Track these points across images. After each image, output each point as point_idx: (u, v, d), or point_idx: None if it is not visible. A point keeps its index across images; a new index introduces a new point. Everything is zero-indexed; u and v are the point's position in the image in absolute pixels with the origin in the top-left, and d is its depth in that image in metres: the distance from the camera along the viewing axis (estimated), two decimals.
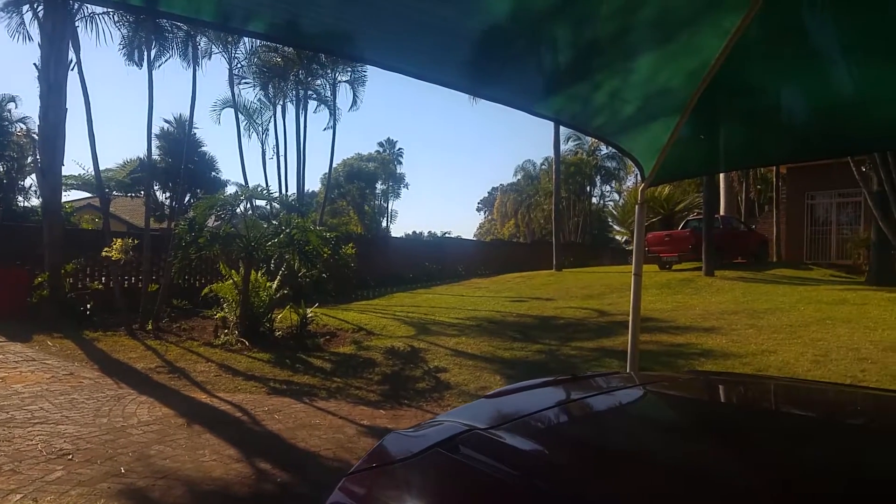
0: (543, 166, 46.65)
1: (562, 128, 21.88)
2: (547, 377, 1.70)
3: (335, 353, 9.08)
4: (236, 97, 22.65)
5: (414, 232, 59.09)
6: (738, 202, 26.54)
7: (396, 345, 9.33)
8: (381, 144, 60.78)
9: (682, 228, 19.30)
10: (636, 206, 4.03)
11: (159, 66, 16.01)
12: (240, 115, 23.21)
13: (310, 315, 10.20)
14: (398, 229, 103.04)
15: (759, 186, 29.44)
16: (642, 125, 3.59)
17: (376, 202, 58.76)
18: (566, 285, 16.42)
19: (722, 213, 21.55)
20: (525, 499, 0.92)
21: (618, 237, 37.41)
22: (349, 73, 23.30)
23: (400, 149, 61.23)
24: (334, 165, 50.91)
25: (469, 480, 1.02)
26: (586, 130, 4.07)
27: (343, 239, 11.61)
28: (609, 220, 38.14)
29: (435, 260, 23.42)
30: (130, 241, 11.57)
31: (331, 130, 25.00)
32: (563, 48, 2.86)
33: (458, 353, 8.64)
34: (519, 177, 52.93)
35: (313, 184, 62.41)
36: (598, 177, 44.63)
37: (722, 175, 22.18)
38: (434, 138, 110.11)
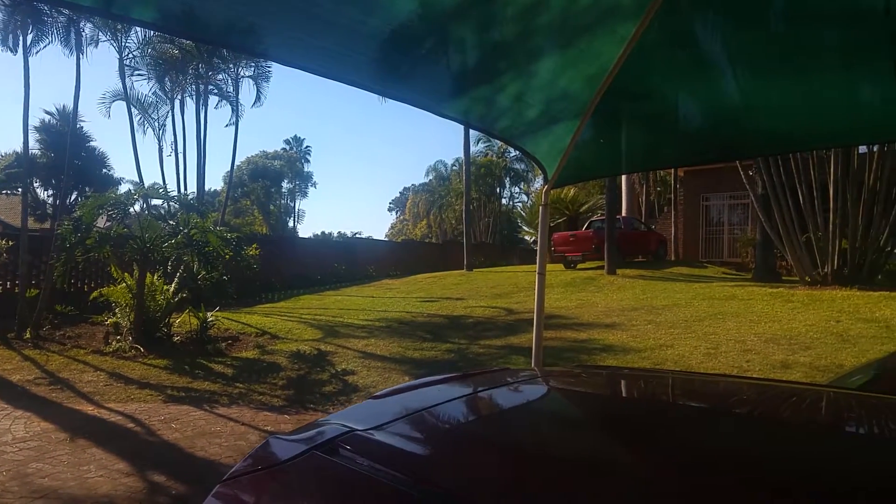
0: (454, 167, 47.21)
1: (472, 129, 22.16)
2: (439, 375, 1.69)
3: (238, 358, 8.72)
4: (128, 89, 21.36)
5: (323, 232, 58.23)
6: (638, 204, 27.85)
7: (302, 348, 9.08)
8: (287, 142, 59.25)
9: (585, 229, 20.00)
10: (540, 207, 4.11)
11: (37, 52, 14.79)
12: (133, 109, 21.87)
13: (210, 319, 9.75)
14: (306, 229, 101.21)
15: (658, 189, 31.08)
16: (545, 128, 3.65)
17: (283, 201, 57.12)
18: (476, 285, 16.61)
19: (624, 213, 22.53)
20: (400, 499, 0.89)
21: (527, 237, 38.38)
22: (253, 69, 22.54)
23: (307, 147, 59.92)
24: (238, 163, 49.30)
25: (345, 482, 0.98)
26: (492, 132, 4.10)
27: (246, 239, 11.17)
28: (518, 220, 39.06)
29: (345, 261, 22.96)
30: (4, 242, 10.62)
31: (233, 127, 24.20)
32: (467, 50, 2.85)
33: (367, 355, 8.53)
34: (431, 177, 53.29)
35: (215, 182, 60.04)
36: (508, 178, 45.60)
37: (623, 178, 23.22)
38: (344, 137, 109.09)
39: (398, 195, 70.69)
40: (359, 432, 1.14)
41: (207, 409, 6.40)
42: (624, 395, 1.71)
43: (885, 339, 7.67)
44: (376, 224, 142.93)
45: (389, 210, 73.75)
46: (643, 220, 24.55)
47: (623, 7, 2.68)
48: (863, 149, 12.93)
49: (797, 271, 13.70)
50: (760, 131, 3.46)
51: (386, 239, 51.96)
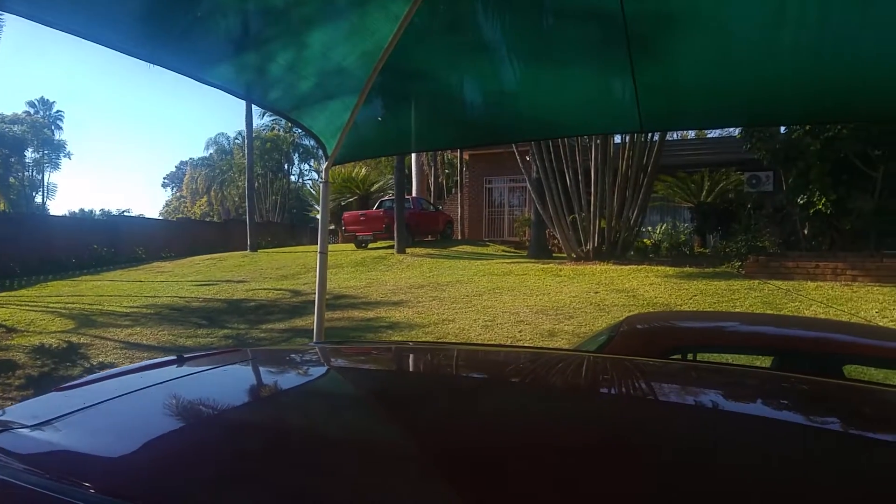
0: (237, 140, 44.24)
1: (240, 99, 20.96)
2: (153, 360, 1.46)
3: None
4: None
5: (82, 210, 51.01)
6: (428, 184, 28.76)
7: (48, 342, 7.85)
8: (31, 104, 50.33)
9: (376, 208, 20.16)
10: (321, 185, 4.01)
11: None
12: None
13: None
14: (60, 207, 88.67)
15: (447, 171, 32.43)
16: (321, 103, 3.58)
17: (27, 174, 48.86)
18: (260, 266, 15.87)
19: (413, 194, 23.11)
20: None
21: (317, 216, 37.56)
22: None
23: (59, 111, 51.36)
24: None
25: None
26: (264, 104, 3.90)
27: None
28: (309, 198, 38.17)
29: (108, 242, 20.54)
30: None
31: None
32: (232, 13, 2.65)
33: (131, 346, 7.66)
34: (211, 151, 49.32)
35: None
36: (297, 155, 44.19)
37: (413, 159, 23.83)
38: (108, 103, 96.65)
39: (174, 170, 64.31)
40: (14, 430, 0.93)
41: None
42: (372, 368, 1.64)
43: (631, 306, 8.77)
44: (148, 201, 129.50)
45: (164, 186, 66.90)
46: (432, 201, 25.42)
47: None
48: (617, 139, 14.68)
49: (565, 248, 15.13)
50: (526, 117, 3.66)
51: (160, 218, 47.16)
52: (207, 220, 42.79)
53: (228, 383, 1.33)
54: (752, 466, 0.81)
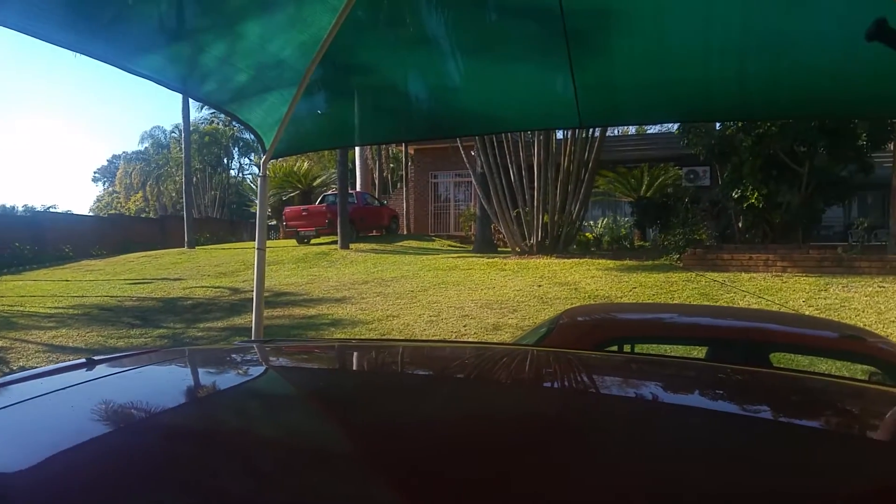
0: (174, 134, 42.80)
1: (172, 90, 20.29)
2: (58, 364, 1.33)
3: None
4: None
5: (3, 206, 48.11)
6: (372, 179, 28.49)
7: None
8: None
9: (319, 203, 19.83)
10: (259, 179, 3.91)
11: None
12: None
13: None
14: None
15: (392, 165, 32.21)
16: (259, 95, 3.49)
17: None
18: (198, 263, 15.39)
19: (358, 188, 22.88)
20: None
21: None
22: None
23: None
24: None
25: None
26: (198, 96, 3.77)
27: None
28: (249, 193, 37.28)
29: (31, 240, 19.55)
30: None
31: None
32: (162, 0, 2.57)
33: (56, 348, 7.27)
34: (147, 144, 47.61)
35: None
36: (237, 149, 43.15)
37: (357, 153, 23.58)
38: (31, 92, 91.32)
39: (106, 164, 61.33)
40: None
41: None
42: (315, 366, 1.58)
43: (573, 299, 8.94)
44: (77, 197, 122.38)
45: (95, 181, 63.63)
46: (377, 196, 25.22)
47: None
48: (560, 134, 14.89)
49: (510, 243, 15.28)
50: (469, 111, 3.65)
51: (90, 214, 44.89)
52: (143, 216, 41.19)
53: (141, 387, 1.23)
54: (684, 454, 0.82)
